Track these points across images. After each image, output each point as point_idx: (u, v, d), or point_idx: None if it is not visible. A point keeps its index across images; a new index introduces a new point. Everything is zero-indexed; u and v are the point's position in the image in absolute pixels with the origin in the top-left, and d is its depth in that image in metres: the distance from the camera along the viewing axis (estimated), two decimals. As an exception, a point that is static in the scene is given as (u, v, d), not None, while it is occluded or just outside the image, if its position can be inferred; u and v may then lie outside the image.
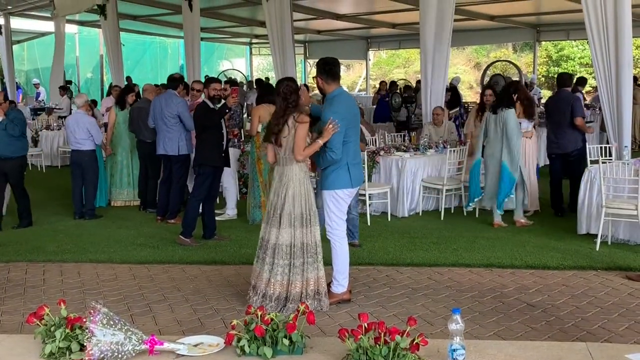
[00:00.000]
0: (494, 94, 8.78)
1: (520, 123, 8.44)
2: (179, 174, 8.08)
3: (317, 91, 5.57)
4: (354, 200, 7.21)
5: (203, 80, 10.04)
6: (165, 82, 9.34)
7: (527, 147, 8.47)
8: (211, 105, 7.02)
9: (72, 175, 8.61)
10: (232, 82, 9.23)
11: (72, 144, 8.61)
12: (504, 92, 7.96)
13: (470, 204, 8.21)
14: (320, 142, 4.90)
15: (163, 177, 8.39)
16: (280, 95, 4.92)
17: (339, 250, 5.19)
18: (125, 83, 14.53)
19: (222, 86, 7.70)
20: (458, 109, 13.63)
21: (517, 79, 16.02)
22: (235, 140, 8.50)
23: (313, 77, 5.63)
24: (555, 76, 10.87)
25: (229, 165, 7.59)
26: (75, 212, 8.60)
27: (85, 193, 8.61)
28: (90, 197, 8.61)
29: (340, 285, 5.22)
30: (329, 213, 5.16)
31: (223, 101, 7.09)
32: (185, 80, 10.13)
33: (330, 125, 4.83)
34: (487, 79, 21.68)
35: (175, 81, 8.25)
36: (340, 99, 5.10)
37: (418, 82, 15.90)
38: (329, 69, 5.09)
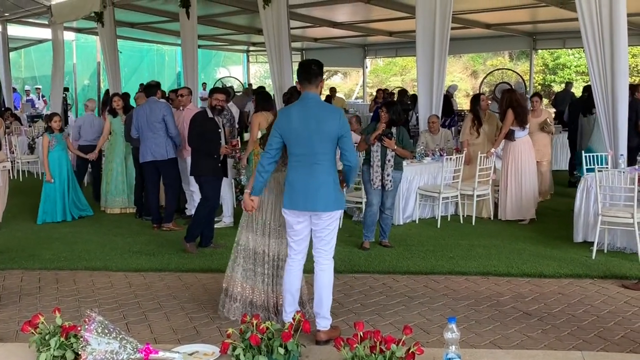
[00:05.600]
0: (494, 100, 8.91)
1: (513, 131, 8.50)
2: (170, 177, 8.08)
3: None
4: (390, 199, 7.11)
5: (200, 87, 10.02)
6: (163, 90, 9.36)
7: (523, 154, 8.50)
8: (210, 115, 7.02)
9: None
10: (225, 91, 9.18)
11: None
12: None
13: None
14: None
15: (150, 185, 8.34)
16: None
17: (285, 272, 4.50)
18: (124, 91, 14.53)
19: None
20: (453, 116, 13.66)
21: (521, 86, 16.10)
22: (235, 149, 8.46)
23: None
24: (551, 84, 10.98)
25: (227, 176, 7.58)
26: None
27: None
28: None
29: (287, 315, 4.44)
30: None
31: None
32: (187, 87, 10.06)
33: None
34: (484, 87, 21.77)
35: (153, 87, 8.36)
36: (293, 105, 4.38)
37: (404, 93, 15.93)
38: (300, 70, 4.31)
